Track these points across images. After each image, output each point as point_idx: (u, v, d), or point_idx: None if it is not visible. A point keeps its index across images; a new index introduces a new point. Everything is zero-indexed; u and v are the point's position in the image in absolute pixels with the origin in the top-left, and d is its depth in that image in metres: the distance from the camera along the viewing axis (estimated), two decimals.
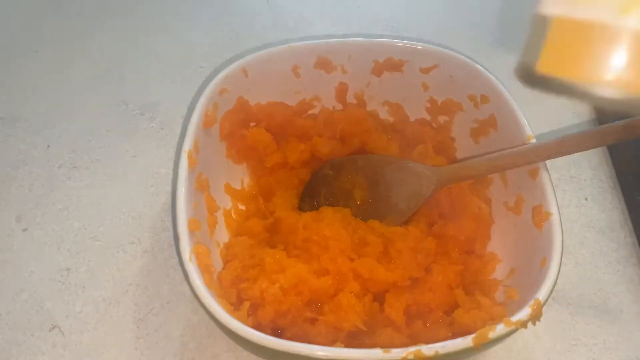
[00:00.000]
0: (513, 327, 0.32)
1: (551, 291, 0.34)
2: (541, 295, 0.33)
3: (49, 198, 0.48)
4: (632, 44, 0.13)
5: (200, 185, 0.40)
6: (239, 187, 0.46)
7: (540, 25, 0.15)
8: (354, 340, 0.37)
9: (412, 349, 0.31)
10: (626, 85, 0.14)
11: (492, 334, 0.32)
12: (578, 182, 0.50)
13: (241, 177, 0.47)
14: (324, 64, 0.46)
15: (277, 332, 0.38)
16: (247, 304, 0.36)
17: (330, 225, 0.41)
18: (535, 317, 0.33)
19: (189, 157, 0.38)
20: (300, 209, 0.45)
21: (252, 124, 0.46)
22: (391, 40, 0.46)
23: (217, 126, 0.43)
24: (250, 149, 0.46)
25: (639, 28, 0.13)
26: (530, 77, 0.16)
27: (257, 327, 0.33)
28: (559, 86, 0.15)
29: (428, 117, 0.48)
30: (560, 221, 0.36)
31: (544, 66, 0.15)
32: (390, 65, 0.46)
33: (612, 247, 0.46)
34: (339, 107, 0.48)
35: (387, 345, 0.32)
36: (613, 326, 0.42)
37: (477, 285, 0.41)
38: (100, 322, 0.42)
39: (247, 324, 0.32)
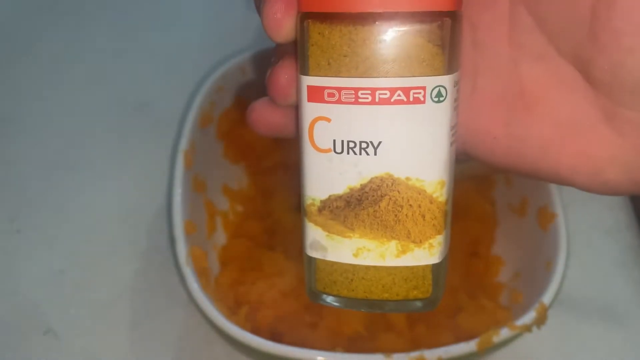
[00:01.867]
0: (517, 331, 0.32)
1: (556, 294, 0.33)
2: (546, 298, 0.33)
3: (42, 199, 0.47)
4: (364, 272, 0.21)
5: (196, 186, 0.40)
6: (236, 188, 0.46)
7: (310, 261, 0.22)
8: (354, 345, 0.37)
9: (414, 353, 0.31)
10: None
11: (496, 339, 0.32)
12: None
13: (239, 178, 0.46)
14: None
15: (276, 337, 0.37)
16: (245, 308, 0.36)
17: None
18: (540, 321, 0.33)
19: (185, 157, 0.38)
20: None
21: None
22: None
23: (214, 125, 0.43)
24: (248, 149, 0.45)
25: (364, 264, 0.21)
26: (313, 294, 0.22)
27: (256, 331, 0.33)
28: (336, 300, 0.22)
29: None
30: (566, 222, 0.36)
31: (320, 287, 0.22)
32: None
33: (618, 249, 0.45)
34: None
35: (388, 350, 0.32)
36: (619, 330, 0.42)
37: (480, 288, 0.40)
38: (95, 325, 0.41)
39: (245, 329, 0.32)
